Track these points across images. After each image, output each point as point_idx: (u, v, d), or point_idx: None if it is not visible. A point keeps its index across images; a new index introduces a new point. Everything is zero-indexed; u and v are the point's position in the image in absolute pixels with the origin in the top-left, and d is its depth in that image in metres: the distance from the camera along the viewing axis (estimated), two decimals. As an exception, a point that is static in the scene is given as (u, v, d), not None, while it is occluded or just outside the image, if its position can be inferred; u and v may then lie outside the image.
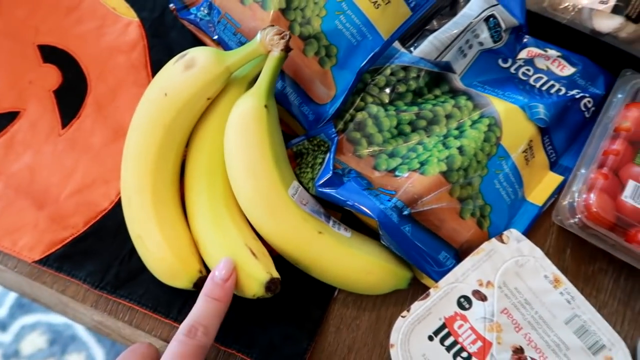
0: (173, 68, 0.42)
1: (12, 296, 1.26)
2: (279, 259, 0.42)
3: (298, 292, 0.44)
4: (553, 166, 0.47)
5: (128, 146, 0.43)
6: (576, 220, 0.40)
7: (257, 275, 0.38)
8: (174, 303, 0.43)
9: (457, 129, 0.43)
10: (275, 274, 0.39)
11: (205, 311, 0.37)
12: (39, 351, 1.21)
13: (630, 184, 0.40)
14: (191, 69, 0.41)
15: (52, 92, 0.50)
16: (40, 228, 0.45)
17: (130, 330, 0.44)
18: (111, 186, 0.47)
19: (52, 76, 0.51)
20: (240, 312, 0.43)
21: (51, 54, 0.51)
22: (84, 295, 0.45)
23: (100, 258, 0.45)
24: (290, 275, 0.43)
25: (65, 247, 0.45)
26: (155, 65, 0.51)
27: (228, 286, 0.38)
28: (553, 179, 0.46)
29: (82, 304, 0.45)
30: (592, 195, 0.40)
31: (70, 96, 0.50)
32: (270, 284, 0.38)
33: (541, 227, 0.47)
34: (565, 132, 0.46)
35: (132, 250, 0.43)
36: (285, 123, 0.48)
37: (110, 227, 0.46)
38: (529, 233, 0.46)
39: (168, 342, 0.43)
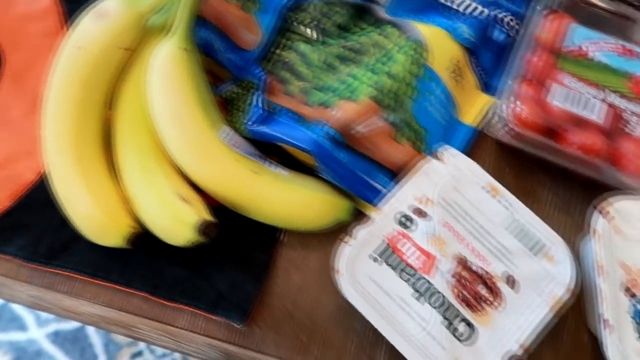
0: (85, 20, 0.40)
1: (-32, 320, 1.20)
2: (220, 209, 0.41)
3: (241, 240, 0.43)
4: (484, 87, 0.47)
5: (46, 107, 0.41)
6: (507, 129, 0.41)
7: (188, 220, 0.37)
8: (113, 266, 0.42)
9: (384, 56, 0.43)
10: (209, 217, 0.38)
11: None
12: (4, 372, 1.16)
13: (555, 88, 0.41)
14: (103, 18, 0.40)
15: (-36, 67, 0.47)
16: (-37, 207, 0.43)
17: (71, 301, 0.42)
18: (35, 158, 0.45)
19: (-39, 51, 0.48)
20: (185, 265, 0.42)
21: (-41, 29, 0.49)
22: (17, 271, 0.42)
23: (30, 231, 0.43)
24: (233, 224, 0.42)
25: (-8, 224, 0.43)
26: (72, 31, 0.49)
27: None
28: (485, 100, 0.46)
29: (15, 280, 0.42)
30: (519, 103, 0.40)
31: (-16, 70, 0.47)
32: (204, 228, 0.37)
33: (479, 148, 0.47)
34: (492, 53, 0.47)
35: (63, 220, 0.41)
36: (214, 74, 0.47)
37: (38, 199, 0.43)
38: (467, 154, 0.46)
39: (112, 307, 0.42)
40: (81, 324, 1.14)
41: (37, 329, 1.19)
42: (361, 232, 0.38)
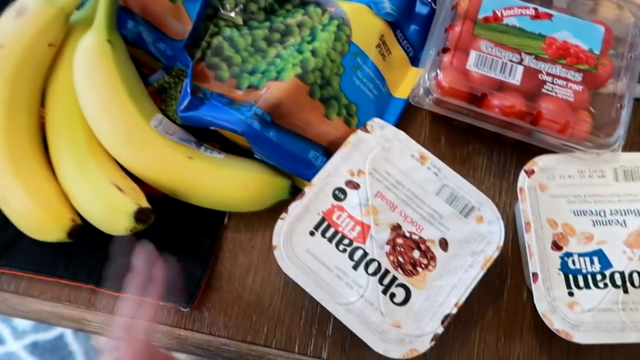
0: (5, 19, 0.40)
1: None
2: (165, 198, 0.42)
3: (186, 226, 0.43)
4: (413, 61, 0.48)
5: (-27, 108, 0.41)
6: (432, 98, 0.42)
7: (124, 208, 0.38)
8: (58, 261, 0.42)
9: (309, 35, 0.44)
10: (145, 204, 0.39)
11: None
12: (-17, 389, 1.15)
13: (473, 54, 0.42)
14: (23, 15, 0.40)
15: None
16: None
17: (19, 298, 0.43)
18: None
19: None
20: (129, 256, 0.42)
21: None
22: (-40, 275, 0.43)
23: (-29, 233, 0.43)
24: (178, 210, 0.43)
25: None
26: None
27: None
28: (415, 73, 0.48)
29: (-40, 284, 0.42)
30: (439, 72, 0.42)
31: None
32: (140, 214, 0.38)
33: (414, 120, 0.48)
34: (417, 26, 0.48)
35: (6, 219, 0.42)
36: (145, 64, 0.47)
37: (-22, 201, 0.43)
38: (401, 127, 0.47)
39: (60, 302, 0.42)
40: (59, 333, 1.14)
41: (14, 342, 1.18)
42: (295, 208, 0.39)
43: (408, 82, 0.47)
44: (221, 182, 0.41)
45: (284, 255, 0.38)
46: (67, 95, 0.42)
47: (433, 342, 0.37)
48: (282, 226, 0.38)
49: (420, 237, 0.39)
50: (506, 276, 0.44)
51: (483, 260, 0.38)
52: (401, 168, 0.40)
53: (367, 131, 0.41)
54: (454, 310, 0.37)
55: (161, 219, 0.41)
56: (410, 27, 0.47)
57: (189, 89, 0.42)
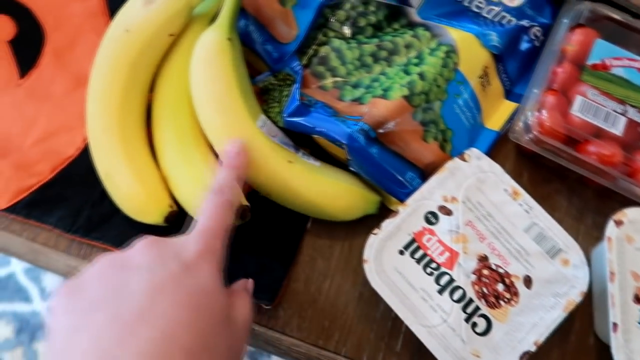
0: (133, 5, 0.42)
1: (-27, 288, 1.22)
2: (252, 194, 0.43)
3: (272, 225, 0.45)
4: (508, 94, 0.49)
5: (92, 86, 0.42)
6: (531, 136, 0.43)
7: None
8: (148, 242, 0.44)
9: (416, 57, 0.45)
10: (245, 202, 0.40)
11: (226, 176, 0.37)
12: (6, 341, 1.18)
13: (578, 99, 0.42)
14: (152, 4, 0.41)
15: (7, 42, 0.49)
16: (5, 176, 0.45)
17: (105, 272, 0.44)
18: (76, 133, 0.47)
19: (5, 27, 0.49)
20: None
21: (3, 4, 0.50)
22: (55, 241, 0.44)
23: (70, 203, 0.44)
24: (264, 209, 0.44)
25: (33, 194, 0.44)
26: (114, 13, 0.50)
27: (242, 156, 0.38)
28: (508, 106, 0.48)
29: (54, 250, 0.44)
30: (544, 112, 0.42)
31: (27, 46, 0.49)
32: (239, 211, 0.39)
33: (500, 153, 0.49)
34: (517, 61, 0.49)
35: (103, 194, 0.43)
36: (249, 63, 0.48)
37: (78, 172, 0.45)
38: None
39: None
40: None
41: (41, 302, 1.21)
42: (388, 225, 0.40)
43: (501, 114, 0.48)
44: (317, 189, 0.42)
45: (373, 270, 0.39)
46: (178, 84, 0.43)
47: None
48: (374, 241, 0.40)
49: (506, 272, 0.40)
50: (574, 318, 0.45)
51: (566, 303, 0.39)
52: (493, 200, 0.41)
53: (464, 160, 0.42)
54: (533, 348, 0.38)
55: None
56: (510, 61, 0.48)
57: (297, 96, 0.43)
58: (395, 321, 0.43)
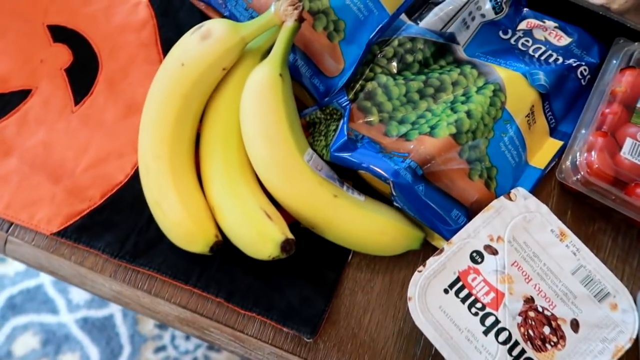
0: (190, 39, 0.43)
1: (2, 298, 1.24)
2: (294, 225, 0.44)
3: (314, 257, 0.45)
4: (552, 132, 0.49)
5: (146, 115, 0.44)
6: (579, 177, 0.43)
7: (273, 236, 0.40)
8: (192, 270, 0.44)
9: (463, 95, 0.45)
10: (290, 235, 0.40)
11: None
12: (32, 352, 1.20)
13: (628, 142, 0.42)
14: (207, 39, 0.43)
15: (64, 70, 0.51)
16: (57, 201, 0.46)
17: (149, 298, 0.45)
18: (126, 160, 0.48)
19: (62, 55, 0.51)
20: (258, 276, 0.44)
21: (61, 33, 0.52)
22: (102, 265, 0.45)
23: (118, 229, 0.46)
24: (306, 240, 0.44)
25: (83, 219, 0.46)
26: (165, 44, 0.52)
27: None
28: (553, 144, 0.48)
29: (100, 274, 0.45)
30: (593, 153, 0.42)
31: (82, 74, 0.51)
32: (286, 244, 0.40)
33: (543, 190, 0.49)
34: (563, 100, 0.49)
35: (150, 221, 0.44)
36: (296, 96, 0.49)
37: (127, 199, 0.46)
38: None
39: (187, 309, 0.44)
40: (110, 314, 1.18)
41: (67, 314, 1.22)
42: (433, 263, 0.40)
43: (545, 152, 0.48)
44: (361, 224, 0.42)
45: (417, 308, 0.39)
46: (228, 116, 0.44)
47: None
48: (419, 279, 0.40)
49: (553, 314, 0.39)
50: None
51: (614, 350, 0.38)
52: (540, 241, 0.41)
53: (510, 199, 0.42)
54: None
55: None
56: (557, 100, 0.48)
57: (345, 131, 0.43)
58: (435, 358, 0.42)
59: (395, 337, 0.44)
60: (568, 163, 0.43)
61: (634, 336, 0.39)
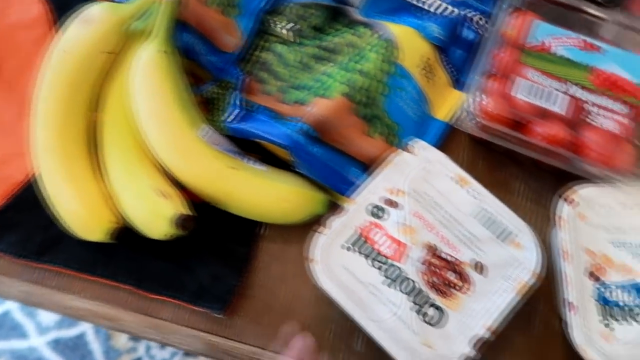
0: (71, 26, 0.43)
1: (-30, 329, 1.21)
2: (203, 205, 0.43)
3: (223, 234, 0.44)
4: (456, 84, 0.49)
5: (35, 107, 0.43)
6: (476, 123, 0.42)
7: (164, 213, 0.39)
8: (99, 260, 0.43)
9: (357, 55, 0.45)
10: (186, 211, 0.40)
11: None
12: (6, 380, 1.18)
13: (519, 81, 0.42)
14: (87, 24, 0.42)
15: (-42, 74, 0.50)
16: (-44, 206, 0.45)
17: (60, 295, 0.44)
18: (25, 159, 0.46)
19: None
20: (169, 259, 0.43)
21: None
22: (8, 267, 0.44)
23: (20, 229, 0.44)
24: (216, 218, 0.43)
25: (-17, 222, 0.44)
26: (61, 38, 0.51)
27: None
28: (457, 96, 0.48)
29: (6, 276, 0.44)
30: (486, 98, 0.42)
31: (-22, 77, 0.50)
32: (181, 221, 0.39)
33: (453, 143, 0.48)
34: (462, 50, 0.48)
35: (52, 218, 0.43)
36: (198, 76, 0.49)
37: (29, 198, 0.45)
38: (441, 149, 0.48)
39: (99, 301, 0.43)
40: (81, 332, 1.16)
41: (37, 337, 1.20)
42: (334, 223, 0.40)
43: (450, 104, 0.48)
44: (262, 193, 0.42)
45: (320, 269, 0.38)
46: (121, 102, 0.43)
47: None
48: (320, 240, 0.39)
49: (456, 259, 0.39)
50: (537, 303, 0.44)
51: (518, 286, 0.38)
52: (440, 190, 0.41)
53: (408, 151, 0.42)
54: (487, 334, 0.37)
55: (198, 225, 0.42)
56: (455, 52, 0.48)
57: (237, 102, 0.43)
58: (354, 319, 0.42)
59: (313, 304, 0.44)
60: (465, 110, 0.43)
61: (538, 271, 0.39)
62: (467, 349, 0.37)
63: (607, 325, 0.38)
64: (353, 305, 0.38)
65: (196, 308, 0.42)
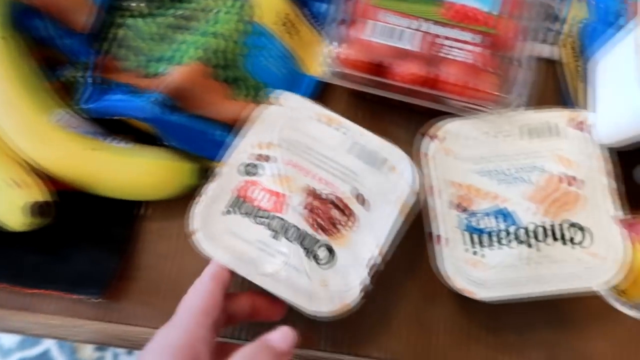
0: None
1: None
2: (77, 193, 0.41)
3: (100, 218, 0.43)
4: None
5: None
6: (336, 71, 0.42)
7: (17, 202, 0.38)
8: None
9: (212, 19, 0.44)
10: (41, 198, 0.38)
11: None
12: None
13: (370, 24, 0.42)
14: None
15: None
16: None
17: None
18: None
19: None
20: (45, 252, 0.42)
21: None
22: None
23: None
24: (90, 204, 0.42)
25: None
26: None
27: None
28: (327, 49, 0.48)
29: None
30: (343, 45, 0.42)
31: None
32: (37, 208, 0.38)
33: (332, 98, 0.48)
34: (327, 3, 0.48)
35: None
36: (59, 60, 0.47)
37: None
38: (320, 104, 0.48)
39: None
40: (45, 349, 1.14)
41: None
42: (209, 188, 0.39)
43: (320, 59, 0.47)
44: (125, 170, 0.40)
45: (202, 238, 0.37)
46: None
47: (362, 294, 0.37)
48: (197, 209, 0.38)
49: (337, 197, 0.39)
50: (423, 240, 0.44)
51: (400, 207, 0.38)
52: (310, 134, 0.40)
53: (271, 104, 0.41)
54: (379, 260, 0.37)
55: (73, 213, 0.41)
56: (321, 6, 0.47)
57: (90, 81, 0.41)
58: (248, 282, 0.41)
59: (200, 274, 0.43)
60: (324, 61, 0.43)
61: (416, 188, 0.39)
62: (363, 277, 0.37)
63: (475, 253, 0.38)
64: (242, 265, 0.37)
65: (75, 296, 0.41)
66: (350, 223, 0.38)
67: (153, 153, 0.42)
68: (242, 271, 0.37)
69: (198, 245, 0.38)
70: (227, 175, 0.39)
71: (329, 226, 0.38)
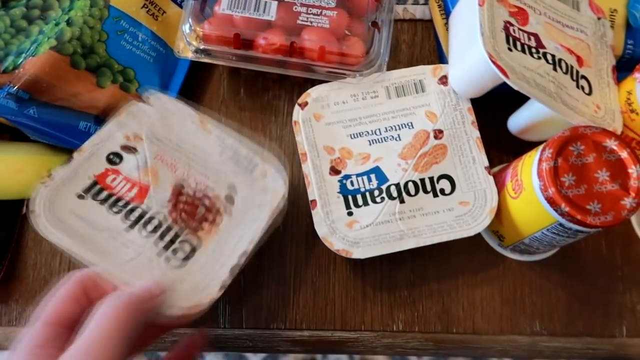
0: None
1: None
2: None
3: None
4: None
5: None
6: (194, 48, 0.42)
7: None
8: None
9: (68, 6, 0.43)
10: None
11: None
12: None
13: (223, -3, 0.41)
14: None
15: None
16: None
17: None
18: None
19: None
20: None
21: None
22: None
23: None
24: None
25: None
26: None
27: None
28: (200, 29, 0.47)
29: None
30: (201, 22, 0.41)
31: None
32: None
33: (212, 77, 0.48)
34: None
35: None
36: None
37: None
38: (199, 85, 0.47)
39: None
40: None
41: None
42: (58, 172, 0.37)
43: (191, 39, 0.47)
44: (-9, 171, 0.40)
45: (44, 221, 0.36)
46: None
47: (222, 292, 0.36)
48: (42, 191, 0.36)
49: (205, 195, 0.38)
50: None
51: (269, 212, 0.38)
52: (181, 133, 0.39)
53: (144, 102, 0.40)
54: (242, 261, 0.37)
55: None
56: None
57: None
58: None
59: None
60: (182, 39, 0.42)
61: (286, 195, 0.38)
62: (224, 277, 0.36)
63: (350, 214, 0.39)
64: (89, 252, 0.35)
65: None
66: (217, 222, 0.38)
67: (21, 149, 0.41)
68: (86, 257, 0.35)
69: (37, 227, 0.36)
70: (86, 160, 0.38)
71: (194, 222, 0.38)
